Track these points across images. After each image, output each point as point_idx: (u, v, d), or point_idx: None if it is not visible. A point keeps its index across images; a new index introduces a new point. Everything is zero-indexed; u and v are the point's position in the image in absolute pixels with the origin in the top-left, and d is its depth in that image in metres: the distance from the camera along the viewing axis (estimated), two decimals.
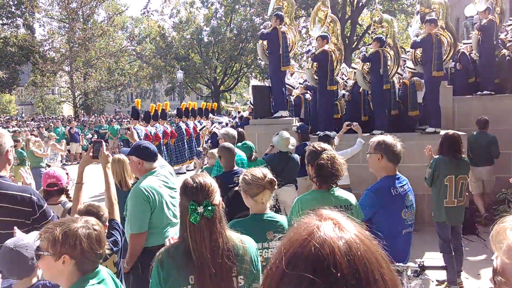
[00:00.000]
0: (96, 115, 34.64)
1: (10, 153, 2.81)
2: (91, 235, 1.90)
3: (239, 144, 5.83)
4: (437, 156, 4.94)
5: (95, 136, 19.01)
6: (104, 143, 3.22)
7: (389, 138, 3.16)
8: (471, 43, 9.87)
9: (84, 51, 31.79)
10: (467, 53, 9.89)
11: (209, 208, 1.96)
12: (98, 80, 34.18)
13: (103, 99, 40.26)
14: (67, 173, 3.64)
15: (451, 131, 5.12)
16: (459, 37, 12.10)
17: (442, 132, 7.58)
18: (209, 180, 2.07)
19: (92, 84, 34.19)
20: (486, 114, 7.72)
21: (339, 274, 0.69)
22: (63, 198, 3.49)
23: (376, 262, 0.73)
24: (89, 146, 3.19)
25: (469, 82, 9.68)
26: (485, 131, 7.39)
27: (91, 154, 3.10)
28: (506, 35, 9.87)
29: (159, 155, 3.60)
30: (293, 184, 6.05)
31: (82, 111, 37.65)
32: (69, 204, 3.29)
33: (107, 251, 2.05)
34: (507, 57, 9.45)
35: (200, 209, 1.94)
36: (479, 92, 9.05)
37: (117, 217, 3.04)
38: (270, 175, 2.57)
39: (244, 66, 35.41)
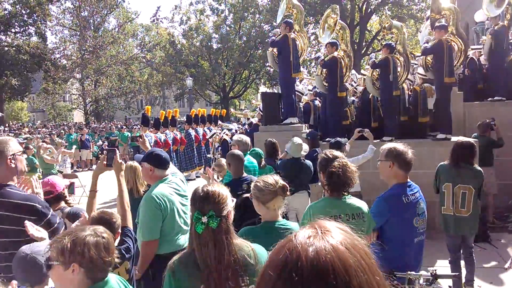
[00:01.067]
0: (106, 122, 34.93)
1: (14, 161, 2.79)
2: (99, 243, 1.92)
3: (247, 151, 5.84)
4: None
5: (105, 143, 19.16)
6: (117, 151, 3.25)
7: (400, 146, 3.15)
8: (480, 49, 9.82)
9: (95, 59, 32.19)
10: (476, 59, 9.84)
11: (214, 219, 1.92)
12: (108, 87, 34.56)
13: (113, 106, 40.62)
14: (72, 182, 3.69)
15: (461, 139, 5.06)
16: (469, 43, 12.03)
17: (454, 138, 7.54)
18: (220, 190, 2.02)
19: (102, 91, 34.57)
20: (496, 120, 7.66)
21: (297, 278, 0.72)
22: (62, 204, 3.53)
23: (356, 271, 0.73)
24: (102, 154, 3.22)
25: (478, 88, 9.62)
26: (485, 135, 7.43)
27: (105, 162, 3.13)
28: None
29: (170, 163, 3.63)
30: (305, 190, 6.03)
31: (93, 118, 38.01)
32: (68, 209, 3.32)
33: (117, 259, 2.05)
34: None
35: (204, 219, 1.91)
36: (490, 98, 8.98)
37: (130, 224, 3.06)
38: (281, 181, 2.58)
39: (253, 73, 35.54)
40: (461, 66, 8.70)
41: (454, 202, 4.73)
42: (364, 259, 0.76)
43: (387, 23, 8.43)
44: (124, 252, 2.83)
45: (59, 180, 3.61)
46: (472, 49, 10.39)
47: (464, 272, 4.78)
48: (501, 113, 8.32)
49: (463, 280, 4.74)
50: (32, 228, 2.53)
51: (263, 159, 5.78)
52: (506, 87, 9.00)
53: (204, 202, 1.96)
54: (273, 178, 2.59)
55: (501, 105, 8.62)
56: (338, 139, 6.27)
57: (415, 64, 9.11)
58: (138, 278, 3.29)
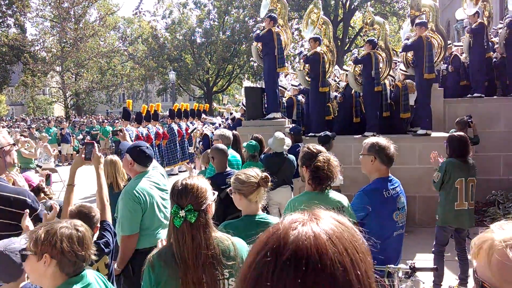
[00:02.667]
0: (87, 115, 34.42)
1: (3, 154, 2.76)
2: (73, 235, 1.89)
3: (244, 144, 5.81)
4: (446, 159, 4.86)
5: (88, 137, 18.89)
6: (96, 145, 3.19)
7: (382, 140, 3.17)
8: (462, 46, 9.97)
9: (76, 51, 31.56)
10: (460, 56, 9.99)
11: (192, 213, 1.90)
12: (89, 80, 33.97)
13: (94, 99, 40.03)
14: (49, 174, 3.69)
15: (458, 133, 5.05)
16: (450, 40, 12.21)
17: (434, 134, 7.66)
18: (199, 183, 2.00)
19: (83, 85, 33.99)
20: (476, 116, 7.80)
21: (270, 259, 0.73)
22: (42, 196, 3.55)
23: (332, 261, 0.72)
24: (81, 147, 3.16)
25: (461, 84, 9.77)
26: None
27: (83, 156, 3.07)
28: (495, 37, 9.99)
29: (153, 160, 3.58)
30: (288, 185, 6.05)
31: (73, 112, 37.38)
32: (50, 202, 3.28)
33: (94, 257, 2.02)
34: (494, 60, 9.57)
35: (182, 213, 1.90)
36: (469, 95, 9.14)
37: (109, 218, 3.02)
38: (262, 173, 2.58)
39: (237, 67, 35.43)
40: (442, 62, 8.82)
41: (467, 196, 4.76)
42: (348, 252, 0.75)
43: (370, 19, 8.49)
44: (103, 246, 2.80)
45: (33, 175, 3.60)
46: (455, 45, 10.55)
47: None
48: (480, 109, 8.47)
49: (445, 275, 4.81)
50: (29, 220, 2.50)
51: (257, 152, 5.74)
52: (485, 84, 9.17)
53: (182, 196, 1.94)
54: (254, 171, 2.58)
55: (480, 102, 8.78)
56: (327, 132, 6.28)
57: (398, 61, 9.21)
58: (118, 273, 3.25)
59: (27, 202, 2.71)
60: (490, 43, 9.54)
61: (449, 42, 9.81)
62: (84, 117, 30.95)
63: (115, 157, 4.57)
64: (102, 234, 2.87)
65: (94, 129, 20.64)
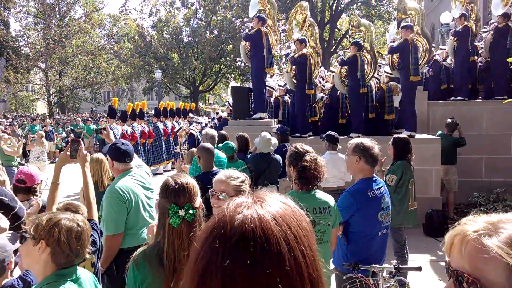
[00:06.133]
0: (71, 113, 33.94)
1: None
2: (72, 228, 1.93)
3: (220, 144, 5.81)
4: (395, 161, 4.91)
5: (71, 135, 18.64)
6: (82, 143, 3.15)
7: (367, 141, 3.21)
8: (446, 49, 10.11)
9: (60, 48, 31.08)
10: (441, 60, 10.12)
11: (190, 211, 1.92)
12: (74, 78, 33.48)
13: (79, 97, 39.48)
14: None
15: (402, 135, 5.18)
16: (435, 44, 12.38)
17: (418, 136, 7.76)
18: (191, 182, 2.02)
19: (67, 82, 33.49)
20: (459, 119, 7.94)
21: (218, 245, 0.75)
22: (30, 196, 3.47)
23: (278, 240, 0.75)
24: (67, 145, 3.11)
25: (442, 88, 9.92)
26: (451, 135, 7.76)
27: (68, 153, 3.03)
28: (480, 41, 10.17)
29: (135, 155, 3.54)
30: (274, 185, 6.05)
31: (57, 109, 36.81)
32: (34, 200, 3.24)
33: (88, 256, 2.05)
34: (480, 64, 9.72)
35: (182, 213, 1.90)
36: (452, 98, 9.28)
37: (96, 217, 2.99)
38: (243, 176, 2.51)
39: (224, 67, 35.33)
40: (426, 65, 8.94)
41: (415, 196, 4.91)
42: (291, 230, 0.78)
43: (356, 21, 8.56)
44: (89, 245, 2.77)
45: (37, 173, 3.52)
46: (441, 48, 10.70)
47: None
48: (463, 112, 8.61)
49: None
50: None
51: (235, 153, 5.75)
52: (468, 87, 9.32)
53: (180, 195, 1.94)
54: (238, 173, 2.52)
55: (463, 104, 8.92)
56: (332, 133, 6.19)
57: (383, 63, 9.30)
58: (102, 272, 3.21)
59: (4, 202, 2.66)
60: (474, 47, 9.70)
61: (433, 45, 9.95)
62: (68, 115, 30.52)
63: (100, 156, 4.51)
64: None
65: (78, 127, 20.37)
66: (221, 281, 0.73)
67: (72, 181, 8.17)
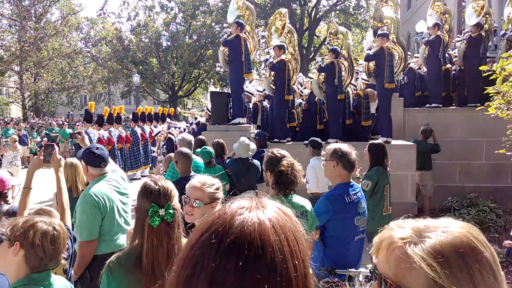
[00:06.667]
0: (47, 117, 33.21)
1: None
2: (47, 232, 1.91)
3: (198, 149, 5.78)
4: (371, 167, 4.92)
5: (45, 139, 18.24)
6: (56, 147, 3.08)
7: (344, 146, 3.24)
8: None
9: (36, 51, 30.43)
10: (415, 68, 10.35)
11: (170, 211, 1.94)
12: (49, 81, 32.80)
13: (54, 101, 38.67)
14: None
15: (377, 141, 5.21)
16: (411, 52, 12.65)
17: (394, 142, 7.89)
18: (170, 185, 2.05)
19: (43, 85, 32.75)
20: (434, 125, 8.11)
21: (213, 242, 0.75)
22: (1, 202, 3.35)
23: (273, 249, 0.75)
24: (40, 149, 3.04)
25: (416, 95, 10.13)
26: (426, 141, 7.93)
27: (42, 157, 2.96)
28: (454, 50, 10.43)
29: (110, 159, 3.48)
30: (253, 190, 6.04)
31: (32, 113, 35.98)
32: (6, 207, 3.15)
33: (63, 261, 2.04)
34: (454, 72, 9.98)
35: (162, 212, 1.92)
36: (427, 105, 9.48)
37: (69, 223, 2.93)
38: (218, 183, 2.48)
39: (203, 72, 35.23)
40: (401, 73, 9.12)
41: (389, 201, 4.96)
42: (288, 242, 0.78)
43: (334, 28, 8.67)
44: None
45: (8, 178, 3.39)
46: (416, 57, 10.93)
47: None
48: (438, 119, 8.80)
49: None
50: None
51: (213, 158, 5.73)
52: (442, 94, 9.54)
53: (160, 195, 1.96)
54: (212, 179, 2.48)
55: (438, 111, 9.12)
56: (315, 138, 6.24)
57: (360, 70, 9.44)
58: (75, 280, 3.14)
59: None
60: (447, 55, 9.94)
61: (409, 53, 10.17)
62: (43, 119, 29.85)
63: (75, 160, 4.42)
64: None
65: (53, 131, 19.94)
66: (210, 277, 0.73)
67: (46, 186, 7.97)
